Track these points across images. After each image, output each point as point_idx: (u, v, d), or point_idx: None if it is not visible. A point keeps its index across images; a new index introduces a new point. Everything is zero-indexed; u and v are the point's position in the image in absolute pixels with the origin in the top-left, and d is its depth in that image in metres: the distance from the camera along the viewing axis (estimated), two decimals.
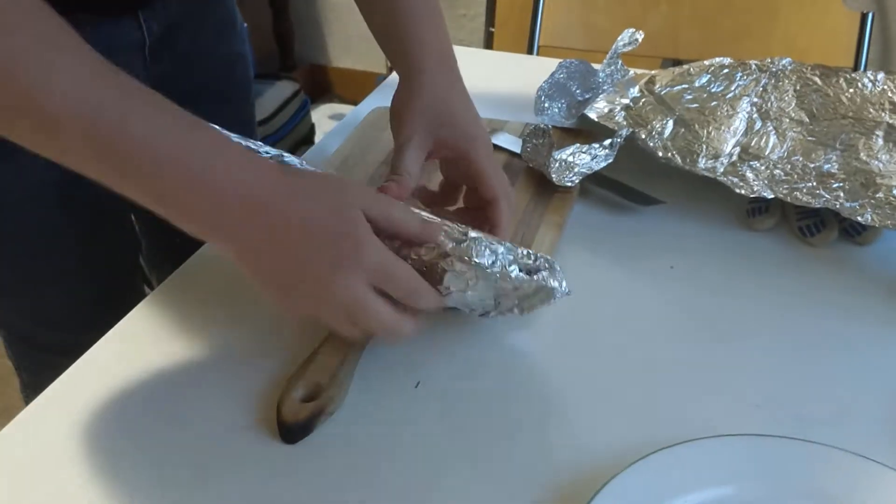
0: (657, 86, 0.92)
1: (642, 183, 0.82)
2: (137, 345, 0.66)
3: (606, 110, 0.88)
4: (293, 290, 0.56)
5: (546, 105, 0.95)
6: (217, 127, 0.55)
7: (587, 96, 0.95)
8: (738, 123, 0.86)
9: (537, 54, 1.33)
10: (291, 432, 0.57)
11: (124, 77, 0.49)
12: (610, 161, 0.80)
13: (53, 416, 0.60)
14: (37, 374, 0.89)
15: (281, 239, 0.53)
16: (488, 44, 2.41)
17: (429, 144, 0.68)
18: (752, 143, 0.83)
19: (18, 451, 0.58)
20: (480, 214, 0.69)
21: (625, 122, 0.86)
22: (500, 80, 1.09)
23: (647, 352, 0.65)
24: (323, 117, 2.75)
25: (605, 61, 0.95)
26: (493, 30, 2.29)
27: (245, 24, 1.01)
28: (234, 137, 0.58)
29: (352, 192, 0.56)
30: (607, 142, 0.80)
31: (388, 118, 0.71)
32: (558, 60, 0.97)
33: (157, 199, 0.52)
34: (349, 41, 2.76)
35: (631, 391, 0.62)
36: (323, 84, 2.88)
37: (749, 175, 0.79)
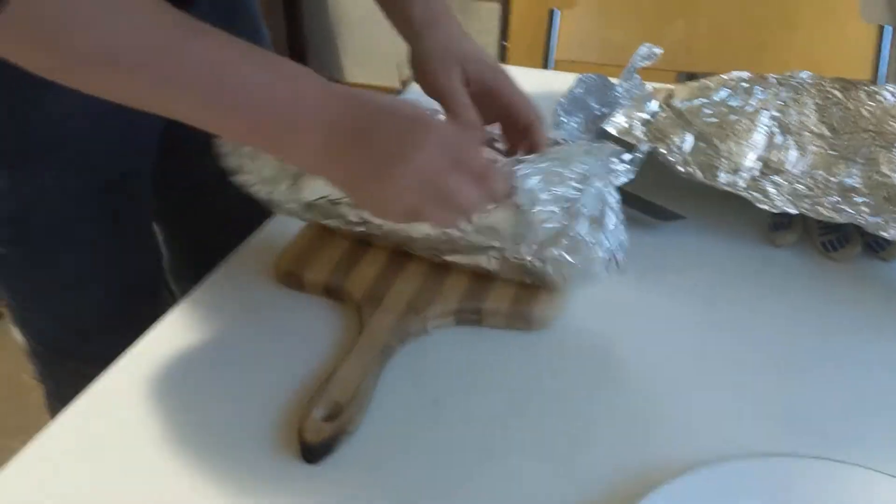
0: (676, 100, 0.91)
1: (662, 198, 0.81)
2: (159, 361, 0.66)
3: (625, 125, 0.88)
4: (383, 189, 0.58)
5: (564, 120, 0.94)
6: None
7: (605, 111, 0.95)
8: (758, 137, 0.86)
9: (553, 69, 1.33)
10: (313, 453, 0.56)
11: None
12: (631, 177, 0.79)
13: (76, 432, 0.60)
14: (60, 384, 0.90)
15: (360, 142, 0.56)
16: (502, 58, 2.42)
17: (465, 82, 0.72)
18: (773, 158, 0.83)
19: (44, 465, 0.58)
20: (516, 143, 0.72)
21: (644, 137, 0.85)
22: None
23: (669, 369, 0.65)
24: None
25: (622, 76, 0.95)
26: (506, 44, 2.29)
27: (268, 33, 1.01)
28: None
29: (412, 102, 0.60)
30: (627, 157, 0.79)
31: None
32: (575, 75, 0.97)
33: (249, 131, 0.56)
34: (363, 56, 2.77)
35: (652, 409, 0.61)
36: None
37: (771, 190, 0.78)
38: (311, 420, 0.57)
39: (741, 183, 0.80)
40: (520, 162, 0.64)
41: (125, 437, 0.60)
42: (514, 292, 0.69)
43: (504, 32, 2.35)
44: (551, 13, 1.31)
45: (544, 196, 0.63)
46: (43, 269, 0.83)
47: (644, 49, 0.95)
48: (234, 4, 0.90)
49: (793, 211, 0.74)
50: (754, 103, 0.89)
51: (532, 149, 0.70)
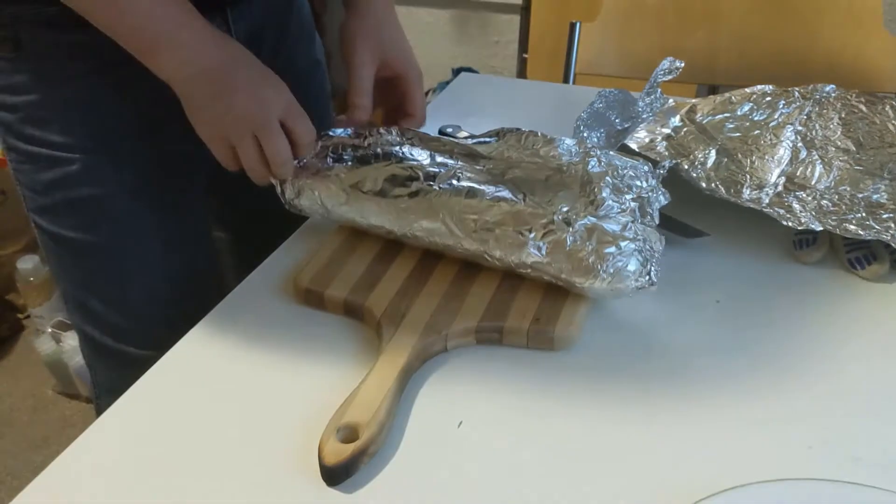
0: (698, 115, 0.90)
1: (685, 214, 0.80)
2: (178, 378, 0.66)
3: (647, 140, 0.87)
4: (220, 114, 0.71)
5: (585, 135, 0.94)
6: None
7: (626, 125, 0.94)
8: (783, 152, 0.85)
9: (573, 82, 1.32)
10: (334, 474, 0.56)
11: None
12: (668, 199, 0.78)
13: (91, 452, 0.60)
14: (110, 371, 0.94)
15: (221, 74, 0.70)
16: (521, 70, 2.42)
17: (376, 64, 0.80)
18: (798, 173, 0.82)
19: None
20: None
21: (666, 153, 0.84)
22: (536, 110, 1.09)
23: (693, 389, 0.64)
24: None
25: (644, 90, 0.94)
26: (526, 56, 2.29)
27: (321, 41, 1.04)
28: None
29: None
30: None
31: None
32: (596, 89, 0.96)
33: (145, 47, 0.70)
34: None
35: (678, 429, 0.60)
36: None
37: (796, 206, 0.77)
38: (332, 442, 0.57)
39: (765, 199, 0.79)
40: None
41: (141, 455, 0.59)
42: (535, 311, 0.68)
43: (523, 44, 2.35)
44: (572, 26, 1.30)
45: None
46: (107, 255, 0.86)
47: (666, 63, 0.94)
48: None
49: (818, 227, 0.73)
50: (778, 118, 0.88)
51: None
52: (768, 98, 0.91)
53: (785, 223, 0.74)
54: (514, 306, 0.69)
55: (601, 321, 0.70)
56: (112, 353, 0.92)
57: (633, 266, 0.66)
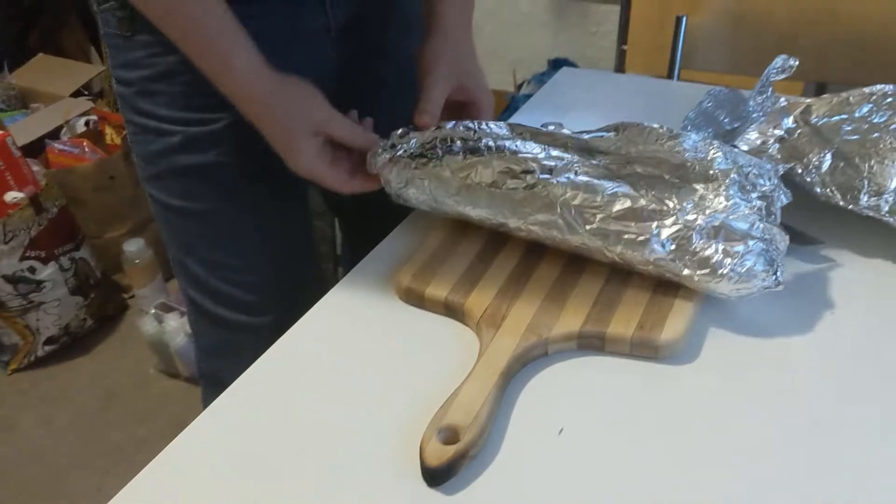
0: (813, 116, 0.87)
1: (798, 221, 0.77)
2: (279, 375, 0.68)
3: (759, 142, 0.84)
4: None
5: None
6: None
7: (736, 125, 0.91)
8: None
9: (678, 78, 1.29)
10: (435, 476, 0.56)
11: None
12: (789, 199, 0.75)
13: (192, 447, 0.62)
14: (211, 340, 1.00)
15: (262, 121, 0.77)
16: (620, 62, 2.37)
17: (451, 87, 0.81)
18: None
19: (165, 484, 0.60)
20: None
21: (779, 156, 0.81)
22: (640, 106, 1.06)
23: (803, 402, 0.61)
24: None
25: (755, 89, 0.91)
26: (625, 47, 2.24)
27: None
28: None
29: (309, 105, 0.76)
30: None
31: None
32: (700, 85, 0.94)
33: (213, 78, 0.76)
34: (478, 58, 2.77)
35: (787, 444, 0.58)
36: None
37: None
38: (433, 443, 0.57)
39: (885, 207, 0.75)
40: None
41: (244, 449, 0.61)
42: (639, 318, 0.67)
43: (623, 35, 2.30)
44: (678, 20, 1.26)
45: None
46: (205, 221, 0.91)
47: (780, 61, 0.91)
48: None
49: None
50: None
51: None
52: (889, 99, 0.86)
53: None
54: (618, 311, 0.68)
55: (708, 329, 0.68)
56: (211, 317, 0.96)
57: (760, 266, 0.65)
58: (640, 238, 0.67)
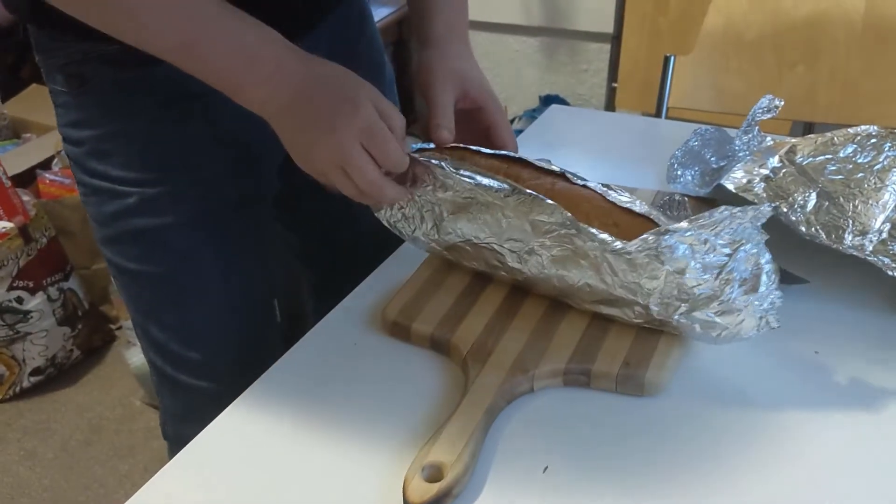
0: (798, 155, 0.88)
1: (783, 260, 0.78)
2: (264, 408, 0.67)
3: (745, 181, 0.85)
4: (307, 149, 0.69)
5: (679, 173, 0.92)
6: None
7: (722, 164, 0.92)
8: (888, 197, 0.81)
9: (665, 116, 1.30)
10: None
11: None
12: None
13: (185, 475, 0.61)
14: (175, 399, 0.95)
15: (300, 105, 0.68)
16: (610, 99, 2.40)
17: (456, 93, 0.79)
18: None
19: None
20: None
21: (765, 195, 0.82)
22: (627, 144, 1.07)
23: (787, 441, 0.61)
24: None
25: (742, 128, 0.92)
26: (615, 85, 2.27)
27: (392, 68, 1.04)
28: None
29: (365, 87, 0.69)
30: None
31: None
32: (688, 124, 0.95)
33: (208, 80, 0.68)
34: None
35: (773, 484, 0.58)
36: None
37: None
38: (416, 480, 0.57)
39: (869, 246, 0.76)
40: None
41: (229, 484, 0.60)
42: (624, 355, 0.67)
43: (613, 73, 2.33)
44: (666, 59, 1.28)
45: (694, 264, 0.63)
46: (165, 285, 0.87)
47: (765, 101, 0.92)
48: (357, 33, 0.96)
49: None
50: (883, 161, 0.84)
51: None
52: (873, 139, 0.87)
53: (890, 273, 0.71)
54: (604, 347, 0.68)
55: (693, 367, 0.68)
56: (172, 382, 0.93)
57: (748, 332, 0.65)
58: (624, 318, 0.69)
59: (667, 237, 0.63)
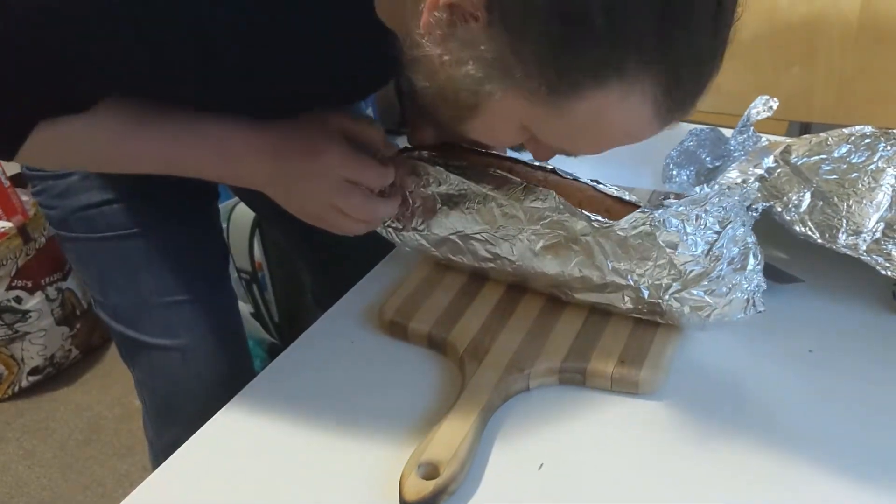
0: (793, 155, 0.88)
1: (778, 259, 0.79)
2: (263, 406, 0.68)
3: (739, 181, 0.85)
4: (301, 205, 0.73)
5: (674, 173, 0.93)
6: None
7: (717, 164, 0.92)
8: (882, 197, 0.81)
9: None
10: None
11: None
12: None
13: (182, 473, 0.62)
14: (141, 368, 0.97)
15: (281, 169, 0.72)
16: None
17: None
18: None
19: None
20: None
21: (760, 195, 0.82)
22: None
23: (780, 440, 0.62)
24: None
25: (737, 128, 0.93)
26: None
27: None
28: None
29: (330, 122, 0.72)
30: (756, 207, 0.77)
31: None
32: (685, 125, 0.95)
33: (220, 178, 0.76)
34: None
35: (766, 481, 0.58)
36: None
37: (895, 254, 0.74)
38: (413, 477, 0.57)
39: (863, 245, 0.76)
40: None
41: (225, 483, 0.61)
42: (620, 353, 0.68)
43: None
44: None
45: (685, 239, 0.64)
46: (113, 252, 0.89)
47: (760, 101, 0.92)
48: None
49: None
50: (877, 161, 0.85)
51: None
52: (867, 140, 0.88)
53: (883, 272, 0.72)
54: (599, 346, 0.69)
55: (688, 365, 0.69)
56: (137, 345, 0.94)
57: (736, 314, 0.67)
58: (615, 306, 0.70)
59: (659, 212, 0.64)
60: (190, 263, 0.93)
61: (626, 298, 0.68)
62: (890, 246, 0.75)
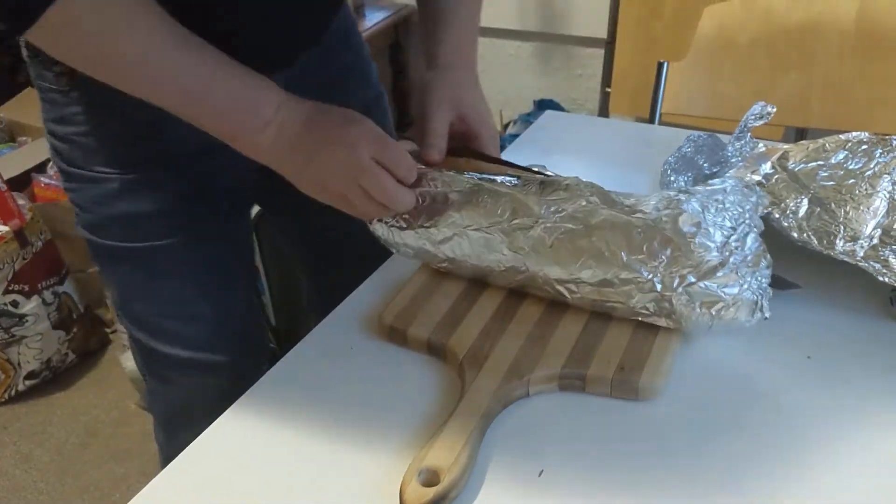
0: (790, 162, 0.88)
1: (775, 265, 0.78)
2: (261, 411, 0.68)
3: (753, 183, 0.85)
4: (320, 176, 0.71)
5: (672, 178, 0.93)
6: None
7: (715, 170, 0.93)
8: (879, 203, 0.82)
9: (659, 122, 1.31)
10: None
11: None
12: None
13: (180, 481, 0.62)
14: (155, 375, 0.98)
15: (308, 135, 0.70)
16: (604, 103, 2.41)
17: (452, 114, 0.80)
18: (895, 226, 0.79)
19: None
20: None
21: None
22: (621, 150, 1.08)
23: (779, 445, 0.62)
24: None
25: (734, 134, 0.93)
26: (609, 90, 2.28)
27: (375, 65, 1.06)
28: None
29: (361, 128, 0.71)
30: (763, 212, 0.77)
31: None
32: (682, 130, 0.96)
33: (213, 131, 0.71)
34: None
35: (766, 487, 0.59)
36: None
37: (892, 261, 0.75)
38: (413, 484, 0.57)
39: (860, 252, 0.76)
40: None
41: (225, 487, 0.61)
42: (619, 359, 0.68)
43: (607, 78, 2.34)
44: (660, 66, 1.29)
45: (705, 223, 0.66)
46: (143, 262, 0.90)
47: (757, 107, 0.93)
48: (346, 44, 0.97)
49: None
50: (874, 167, 0.85)
51: None
52: (864, 146, 0.88)
53: (881, 279, 0.72)
54: (599, 353, 0.69)
55: (687, 372, 0.69)
56: (152, 354, 0.95)
57: (744, 316, 0.67)
58: (620, 306, 0.70)
59: (682, 195, 0.67)
60: (215, 277, 0.94)
61: (637, 293, 0.68)
62: (887, 252, 0.76)
